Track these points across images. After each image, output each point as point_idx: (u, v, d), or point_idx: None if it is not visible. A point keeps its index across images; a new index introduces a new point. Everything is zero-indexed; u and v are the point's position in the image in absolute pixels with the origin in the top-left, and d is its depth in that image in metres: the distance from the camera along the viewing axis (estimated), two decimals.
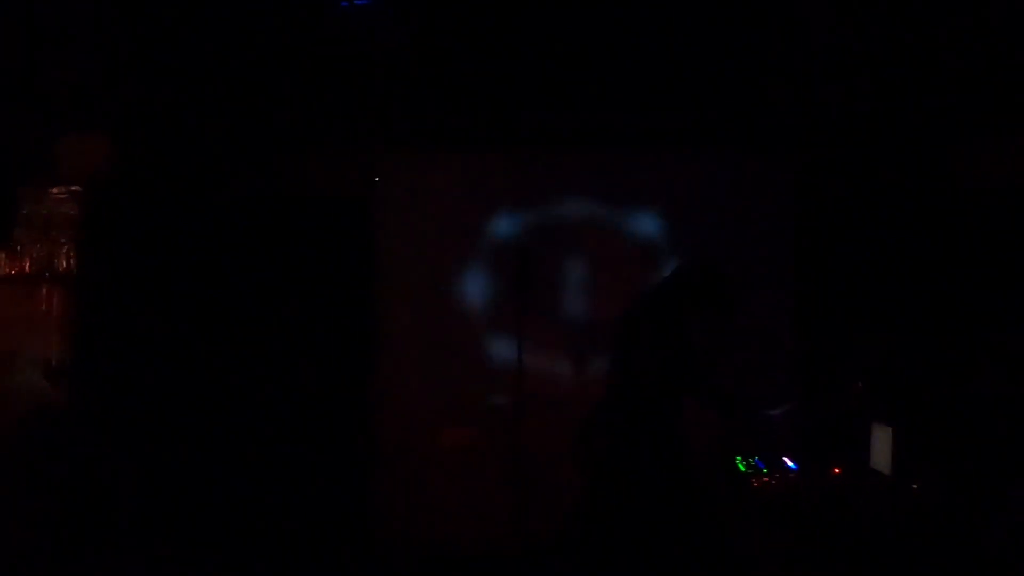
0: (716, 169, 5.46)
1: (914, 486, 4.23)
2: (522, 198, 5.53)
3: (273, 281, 5.52)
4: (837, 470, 4.47)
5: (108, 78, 5.50)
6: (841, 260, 5.34)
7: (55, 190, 5.73)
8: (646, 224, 5.47)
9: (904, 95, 5.23)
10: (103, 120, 5.62)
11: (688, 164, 5.47)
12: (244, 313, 5.49)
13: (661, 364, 4.42)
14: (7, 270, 5.74)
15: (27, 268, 5.74)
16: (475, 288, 5.53)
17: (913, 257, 5.20)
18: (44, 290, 5.72)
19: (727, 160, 5.46)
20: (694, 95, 5.33)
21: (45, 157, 5.65)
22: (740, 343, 5.07)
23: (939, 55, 5.07)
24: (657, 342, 4.45)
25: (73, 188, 5.70)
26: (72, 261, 5.69)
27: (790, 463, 4.50)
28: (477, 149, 5.53)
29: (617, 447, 4.32)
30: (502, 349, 5.44)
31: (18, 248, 5.71)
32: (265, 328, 5.49)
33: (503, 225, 5.53)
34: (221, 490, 5.34)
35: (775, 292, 5.33)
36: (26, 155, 5.53)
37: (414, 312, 5.57)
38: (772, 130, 5.39)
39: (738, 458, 4.57)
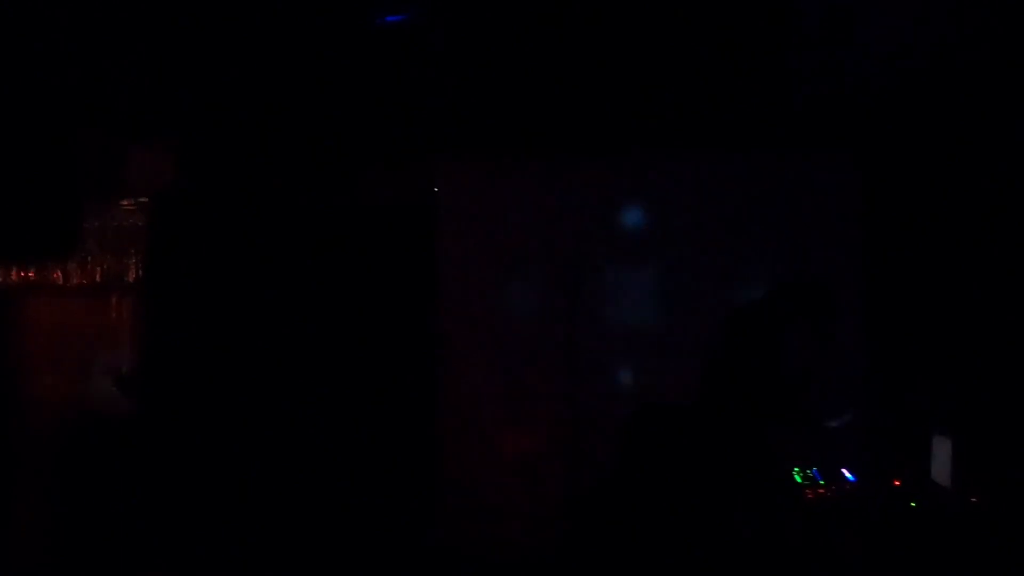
0: (780, 172, 5.34)
1: (974, 499, 4.12)
2: (580, 204, 5.48)
3: (337, 291, 5.57)
4: (897, 482, 4.37)
5: (176, 90, 5.61)
6: (910, 265, 5.18)
7: (125, 202, 5.86)
8: (706, 230, 5.38)
9: (978, 86, 5.03)
10: (171, 132, 5.73)
11: (751, 167, 5.36)
12: (309, 322, 5.55)
13: (756, 384, 4.31)
14: (79, 280, 5.89)
15: (98, 279, 5.88)
16: (534, 295, 5.51)
17: (985, 262, 5.02)
18: (114, 300, 5.86)
19: (791, 162, 5.33)
20: (755, 95, 5.22)
21: (115, 169, 5.78)
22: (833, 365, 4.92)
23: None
24: (755, 362, 4.34)
25: (142, 200, 5.82)
26: (141, 272, 5.82)
27: (848, 475, 4.41)
28: (535, 156, 5.50)
29: (692, 464, 4.22)
30: (560, 357, 5.40)
31: (89, 259, 5.85)
32: (330, 337, 5.54)
33: (561, 231, 5.49)
34: (287, 496, 5.40)
35: (842, 299, 5.19)
36: (96, 167, 5.66)
37: (475, 319, 5.57)
38: (837, 129, 5.24)
39: (795, 469, 4.48)
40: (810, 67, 5.16)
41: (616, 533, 3.95)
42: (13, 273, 5.80)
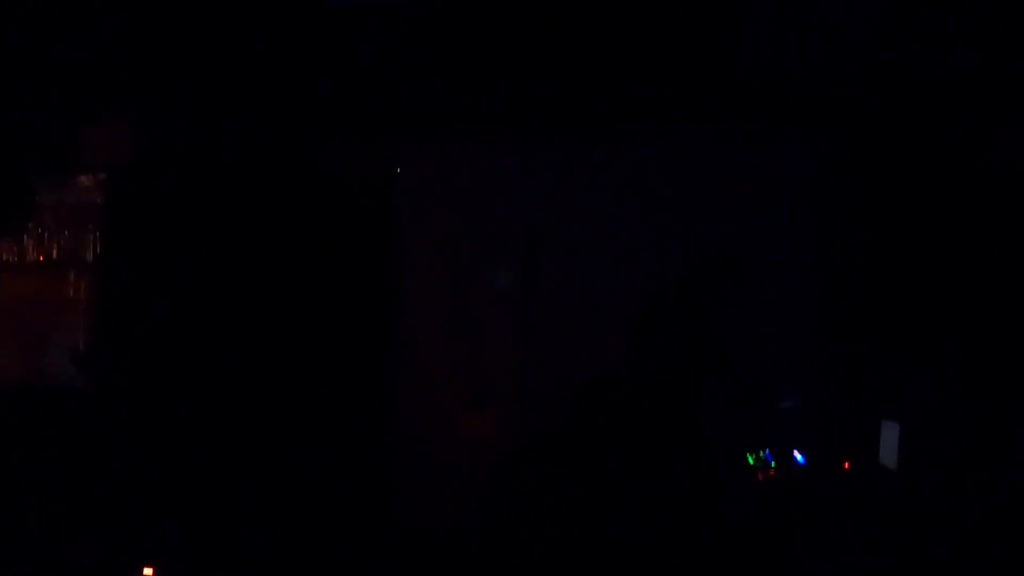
0: (734, 153, 5.41)
1: (920, 483, 4.24)
2: (538, 184, 5.53)
3: (296, 267, 5.57)
4: (846, 465, 4.49)
5: (133, 64, 5.56)
6: (862, 250, 5.27)
7: (82, 177, 5.82)
8: (660, 210, 5.45)
9: (936, 69, 5.11)
10: (127, 106, 5.68)
11: (706, 148, 5.43)
12: (267, 298, 5.54)
13: (683, 354, 4.44)
14: (36, 256, 5.85)
15: (54, 255, 5.85)
16: (492, 273, 5.55)
17: (936, 247, 5.11)
18: (72, 276, 5.83)
19: (744, 143, 5.40)
20: (710, 75, 5.27)
21: (71, 144, 5.73)
22: (759, 332, 5.05)
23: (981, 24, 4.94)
24: (679, 332, 4.47)
25: (99, 176, 5.78)
26: (98, 248, 5.79)
27: (799, 457, 4.52)
28: (494, 134, 5.53)
29: (634, 435, 4.33)
30: (518, 334, 5.45)
31: (45, 235, 5.81)
32: (287, 313, 5.54)
33: (521, 211, 5.54)
34: (241, 475, 5.42)
35: (792, 282, 5.29)
36: (52, 142, 5.61)
37: (434, 296, 5.61)
38: (789, 110, 5.31)
39: (748, 452, 4.59)
40: (761, 45, 5.20)
41: (560, 504, 4.06)
42: None
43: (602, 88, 5.45)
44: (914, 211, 5.15)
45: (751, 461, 4.58)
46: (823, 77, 5.29)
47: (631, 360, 4.70)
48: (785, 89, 5.34)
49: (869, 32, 5.18)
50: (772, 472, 4.48)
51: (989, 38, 4.81)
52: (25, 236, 5.85)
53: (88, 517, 5.10)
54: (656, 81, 5.37)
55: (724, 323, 4.62)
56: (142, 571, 4.68)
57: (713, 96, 5.36)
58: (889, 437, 4.42)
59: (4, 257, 5.84)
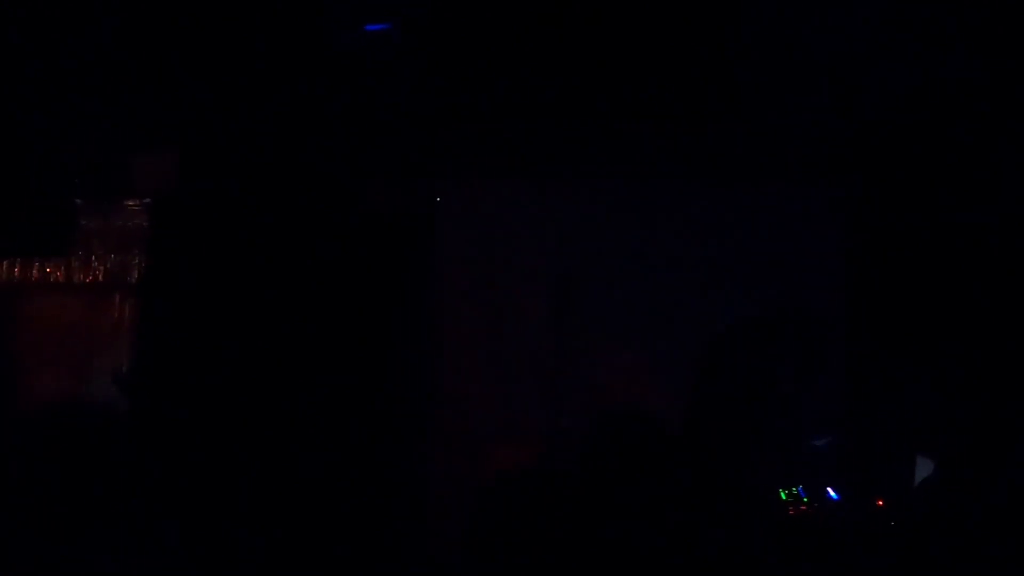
0: (767, 201, 5.48)
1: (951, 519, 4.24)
2: (575, 225, 5.61)
3: (336, 299, 5.64)
4: (880, 502, 4.49)
5: (180, 94, 5.67)
6: (893, 281, 5.29)
7: (130, 202, 5.94)
8: (693, 255, 5.52)
9: (968, 110, 5.14)
10: (176, 135, 5.80)
11: (740, 196, 5.51)
12: (307, 329, 5.62)
13: (739, 410, 4.41)
14: (81, 278, 5.96)
15: (100, 277, 5.96)
16: (528, 311, 5.61)
17: (968, 289, 5.13)
18: (117, 300, 5.94)
19: (777, 191, 5.48)
20: (743, 127, 5.34)
21: (120, 170, 5.85)
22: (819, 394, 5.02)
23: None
24: (741, 391, 4.44)
25: (147, 201, 5.90)
26: (143, 272, 5.90)
27: (833, 493, 4.53)
28: (533, 176, 5.62)
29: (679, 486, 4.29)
30: (551, 373, 5.50)
31: (92, 258, 5.93)
32: (327, 345, 5.61)
33: (558, 252, 5.61)
34: (279, 498, 5.46)
35: (824, 317, 5.32)
36: (101, 167, 5.73)
37: (471, 333, 5.67)
38: (817, 156, 5.37)
39: (780, 488, 4.60)
40: (796, 100, 5.25)
41: (586, 542, 4.04)
42: (15, 269, 5.88)
43: (639, 135, 5.53)
44: (940, 249, 5.18)
45: (783, 497, 4.59)
46: (850, 130, 5.32)
47: (689, 409, 4.65)
48: (818, 143, 5.39)
49: (896, 81, 5.22)
50: (804, 507, 4.50)
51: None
52: (72, 259, 5.97)
53: (120, 534, 5.17)
54: (692, 132, 5.44)
55: (793, 386, 4.59)
56: None
57: (743, 149, 5.43)
58: (924, 471, 4.43)
59: (51, 278, 5.96)
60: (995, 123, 4.94)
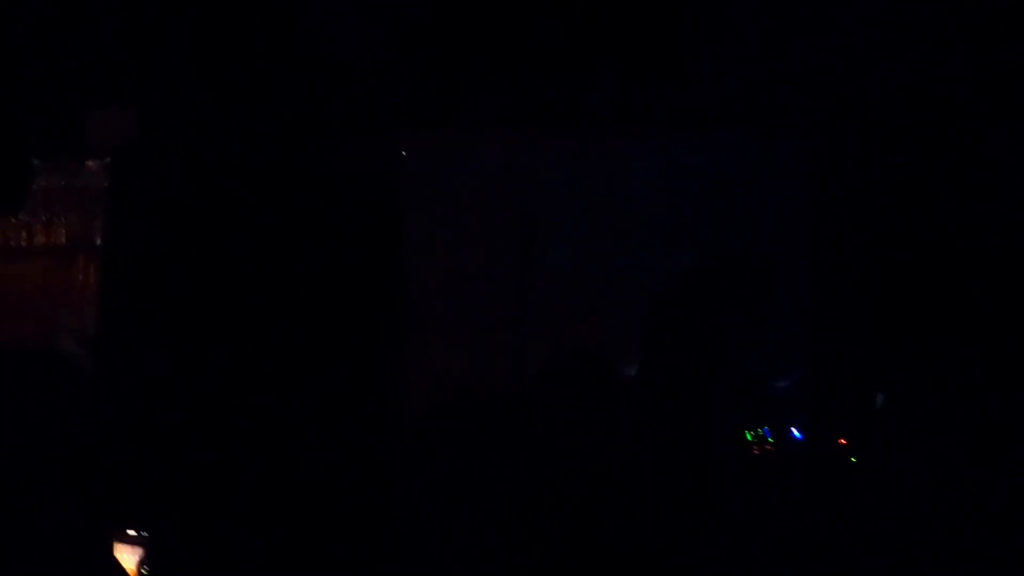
0: (733, 149, 5.54)
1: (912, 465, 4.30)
2: (543, 178, 5.62)
3: (300, 256, 5.63)
4: (843, 440, 4.56)
5: (139, 52, 5.62)
6: (858, 229, 5.37)
7: (90, 162, 5.88)
8: (659, 205, 5.55)
9: (940, 68, 5.19)
10: (134, 93, 5.74)
11: (705, 145, 5.55)
12: (272, 288, 5.61)
13: (697, 359, 4.44)
14: (43, 241, 5.90)
15: (62, 240, 5.90)
16: (503, 270, 5.61)
17: (926, 240, 5.20)
18: (79, 261, 5.89)
19: (739, 141, 5.52)
20: (708, 72, 5.36)
21: (76, 129, 5.79)
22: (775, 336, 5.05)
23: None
24: (695, 338, 4.47)
25: (106, 160, 5.84)
26: (105, 233, 5.85)
27: (796, 433, 4.60)
28: (500, 128, 5.63)
29: (640, 434, 4.32)
30: (521, 327, 5.52)
31: (53, 220, 5.87)
32: (291, 305, 5.61)
33: (525, 204, 5.62)
34: (239, 473, 5.46)
35: (789, 266, 5.38)
36: (57, 127, 5.67)
37: (440, 290, 5.69)
38: (785, 109, 5.41)
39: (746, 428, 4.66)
40: (760, 49, 5.29)
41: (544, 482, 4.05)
42: None
43: (601, 88, 5.53)
44: (909, 208, 5.25)
45: (749, 437, 4.65)
46: (819, 79, 5.34)
47: (638, 358, 4.71)
48: (781, 90, 5.42)
49: (865, 35, 5.25)
50: (768, 447, 4.56)
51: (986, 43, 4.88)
52: (31, 221, 5.90)
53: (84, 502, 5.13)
54: (657, 82, 5.45)
55: (743, 330, 4.61)
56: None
57: (710, 98, 5.45)
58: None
59: (11, 242, 5.90)
60: (959, 84, 5.01)
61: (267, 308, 5.53)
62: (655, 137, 5.61)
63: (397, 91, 5.66)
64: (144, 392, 5.48)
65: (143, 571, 4.00)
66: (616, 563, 3.89)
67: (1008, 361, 4.70)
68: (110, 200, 5.70)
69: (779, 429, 4.60)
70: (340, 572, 5.14)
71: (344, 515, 5.38)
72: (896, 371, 4.80)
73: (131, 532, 4.09)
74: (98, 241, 5.94)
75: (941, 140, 5.25)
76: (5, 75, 5.32)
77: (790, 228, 5.48)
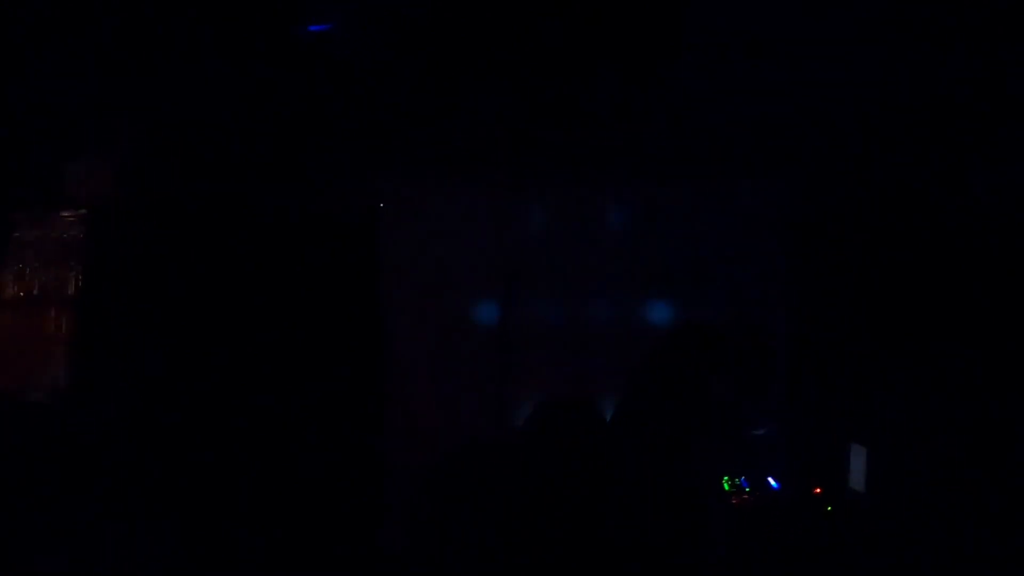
0: (711, 196, 5.65)
1: (888, 506, 4.42)
2: (518, 223, 5.70)
3: (281, 302, 5.65)
4: (818, 490, 4.65)
5: (116, 103, 5.63)
6: (831, 278, 5.46)
7: (66, 214, 5.87)
8: (637, 250, 5.64)
9: (913, 113, 5.30)
10: (112, 144, 5.75)
11: (686, 192, 5.66)
12: (252, 334, 5.62)
13: (682, 413, 4.50)
14: (15, 292, 5.88)
15: (35, 291, 5.88)
16: (473, 310, 5.69)
17: (899, 278, 5.30)
18: (53, 312, 5.86)
19: (718, 186, 5.63)
20: (687, 125, 5.46)
21: (56, 180, 5.79)
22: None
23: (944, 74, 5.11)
24: (681, 394, 4.52)
25: (83, 212, 5.83)
26: (80, 284, 5.83)
27: (773, 483, 4.68)
28: (480, 173, 5.72)
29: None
30: (496, 367, 5.58)
31: (27, 271, 5.85)
32: (272, 348, 5.62)
33: (505, 248, 5.70)
34: (229, 496, 5.45)
35: (766, 315, 5.48)
36: (35, 178, 5.66)
37: (419, 331, 5.73)
38: (762, 153, 5.52)
39: (724, 477, 4.73)
40: (739, 98, 5.38)
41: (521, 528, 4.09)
42: None
43: (578, 135, 5.62)
44: (875, 247, 5.36)
45: (726, 487, 4.72)
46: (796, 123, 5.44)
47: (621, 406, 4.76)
48: (756, 136, 5.53)
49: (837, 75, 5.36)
50: (746, 497, 4.63)
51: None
52: (5, 272, 5.88)
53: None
54: (633, 129, 5.55)
55: (729, 391, 4.68)
56: None
57: (686, 146, 5.56)
58: (858, 461, 4.60)
59: None
60: (931, 121, 5.12)
61: (246, 355, 5.53)
62: (634, 185, 5.71)
63: (377, 138, 5.72)
64: (119, 440, 5.46)
65: None
66: None
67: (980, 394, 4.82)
68: (90, 251, 5.70)
69: (756, 478, 4.69)
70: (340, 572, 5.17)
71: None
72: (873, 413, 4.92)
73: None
74: (70, 292, 5.92)
75: (913, 184, 5.37)
76: None
77: (766, 280, 5.57)
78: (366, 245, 5.68)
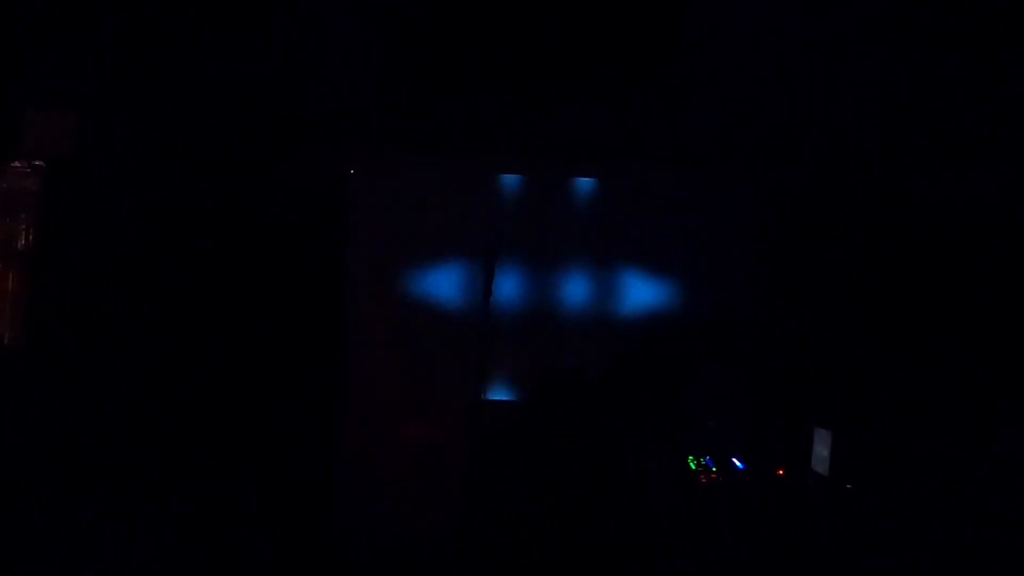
0: (678, 182, 5.75)
1: (848, 486, 4.62)
2: (491, 201, 5.73)
3: (243, 269, 5.59)
4: (781, 471, 4.83)
5: (80, 55, 5.49)
6: (795, 265, 5.63)
7: (18, 164, 5.70)
8: (606, 231, 5.74)
9: (869, 111, 5.43)
10: (70, 95, 5.61)
11: (650, 177, 5.75)
12: (210, 298, 5.55)
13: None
14: None
15: None
16: (442, 284, 5.71)
17: (863, 267, 5.50)
18: (2, 267, 5.69)
19: (687, 174, 5.74)
20: (662, 108, 5.55)
21: (9, 131, 5.62)
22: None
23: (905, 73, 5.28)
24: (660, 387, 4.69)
25: (36, 163, 5.67)
26: (33, 238, 5.68)
27: (738, 463, 4.85)
28: (450, 151, 5.72)
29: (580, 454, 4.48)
30: (466, 343, 5.62)
31: None
32: (233, 316, 5.56)
33: (473, 226, 5.72)
34: (183, 474, 5.40)
35: (729, 304, 5.64)
36: None
37: (382, 304, 5.73)
38: (730, 143, 5.65)
39: (690, 457, 4.90)
40: (708, 87, 5.49)
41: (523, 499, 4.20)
42: None
43: (558, 114, 5.67)
44: (839, 237, 5.55)
45: (692, 466, 4.89)
46: (763, 116, 5.56)
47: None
48: (728, 130, 5.64)
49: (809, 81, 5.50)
50: (714, 476, 4.80)
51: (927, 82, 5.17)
52: None
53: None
54: (605, 114, 5.61)
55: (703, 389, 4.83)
56: None
57: (659, 133, 5.64)
58: (821, 443, 4.79)
59: None
60: (904, 115, 5.31)
61: (205, 320, 5.47)
62: (604, 166, 5.79)
63: (348, 110, 5.68)
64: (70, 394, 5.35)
65: None
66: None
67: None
68: (45, 204, 5.54)
69: (721, 459, 4.86)
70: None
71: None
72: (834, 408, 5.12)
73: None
74: (21, 245, 5.76)
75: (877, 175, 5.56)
76: None
77: (732, 257, 5.72)
78: (334, 215, 5.66)
